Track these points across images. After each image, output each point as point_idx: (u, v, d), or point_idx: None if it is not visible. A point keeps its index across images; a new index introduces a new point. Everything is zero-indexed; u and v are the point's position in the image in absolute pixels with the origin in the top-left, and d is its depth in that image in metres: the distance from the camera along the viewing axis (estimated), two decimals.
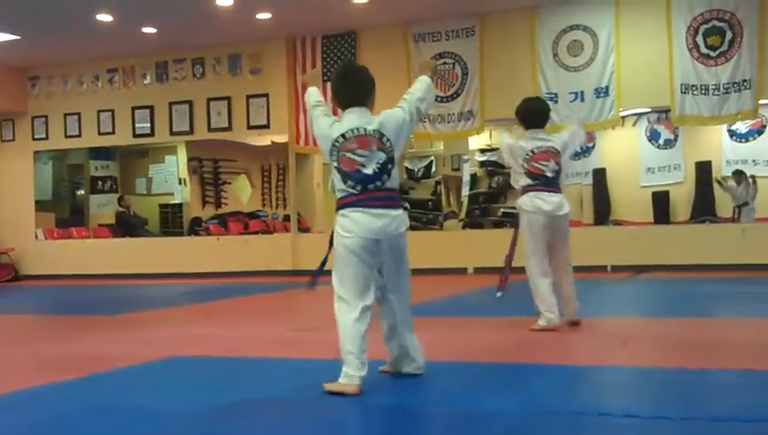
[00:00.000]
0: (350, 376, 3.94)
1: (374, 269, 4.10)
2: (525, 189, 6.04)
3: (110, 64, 14.73)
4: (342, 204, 4.12)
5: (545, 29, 12.26)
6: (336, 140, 4.12)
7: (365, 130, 4.11)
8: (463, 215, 15.73)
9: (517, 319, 6.66)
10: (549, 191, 5.97)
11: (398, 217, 4.12)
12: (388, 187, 4.13)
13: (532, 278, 6.03)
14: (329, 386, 3.99)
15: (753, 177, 14.24)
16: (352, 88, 4.24)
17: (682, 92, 11.61)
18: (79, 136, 15.09)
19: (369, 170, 4.07)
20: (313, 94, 4.45)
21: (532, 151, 5.99)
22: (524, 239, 6.10)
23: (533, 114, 6.15)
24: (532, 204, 5.97)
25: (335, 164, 4.14)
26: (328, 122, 4.23)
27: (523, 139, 6.16)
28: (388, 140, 4.13)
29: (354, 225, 4.05)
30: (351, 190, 4.09)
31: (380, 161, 4.09)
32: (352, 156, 4.08)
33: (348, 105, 4.21)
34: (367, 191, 4.07)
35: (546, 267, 5.98)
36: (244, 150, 15.98)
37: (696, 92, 11.57)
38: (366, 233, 4.03)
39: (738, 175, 14.28)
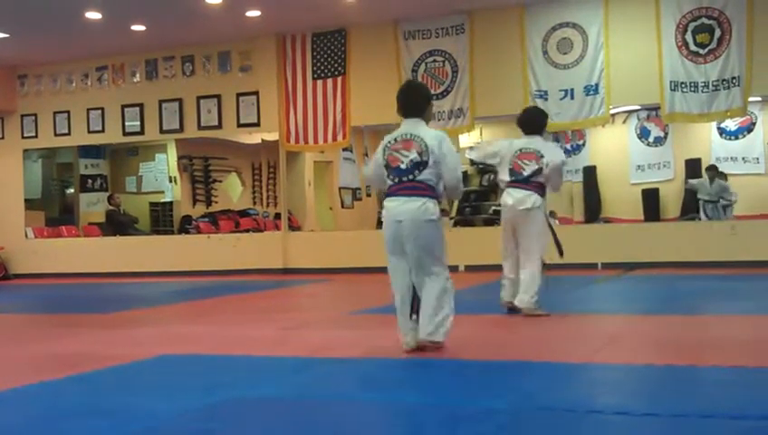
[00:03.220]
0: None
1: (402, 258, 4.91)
2: (506, 185, 6.69)
3: (100, 62, 14.67)
4: (385, 194, 5.03)
5: (535, 26, 12.26)
6: (389, 142, 5.02)
7: (411, 135, 4.95)
8: (454, 213, 15.75)
9: (507, 317, 6.68)
10: (518, 187, 6.58)
11: (422, 203, 4.84)
12: (420, 179, 4.88)
13: None
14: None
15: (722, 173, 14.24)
16: (410, 102, 5.10)
17: (671, 90, 11.63)
18: (68, 134, 15.02)
19: (403, 166, 4.91)
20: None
21: (520, 150, 6.66)
22: None
23: (522, 122, 6.90)
24: (503, 199, 6.72)
25: (385, 163, 5.00)
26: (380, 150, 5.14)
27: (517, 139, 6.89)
28: (427, 147, 4.89)
29: (385, 210, 4.97)
30: (391, 182, 4.96)
31: (414, 160, 4.89)
32: (397, 154, 4.94)
33: (406, 115, 5.10)
34: (402, 183, 4.90)
35: (505, 251, 6.70)
36: (234, 148, 15.96)
37: (685, 90, 11.59)
38: (392, 216, 4.89)
39: (712, 170, 14.24)
